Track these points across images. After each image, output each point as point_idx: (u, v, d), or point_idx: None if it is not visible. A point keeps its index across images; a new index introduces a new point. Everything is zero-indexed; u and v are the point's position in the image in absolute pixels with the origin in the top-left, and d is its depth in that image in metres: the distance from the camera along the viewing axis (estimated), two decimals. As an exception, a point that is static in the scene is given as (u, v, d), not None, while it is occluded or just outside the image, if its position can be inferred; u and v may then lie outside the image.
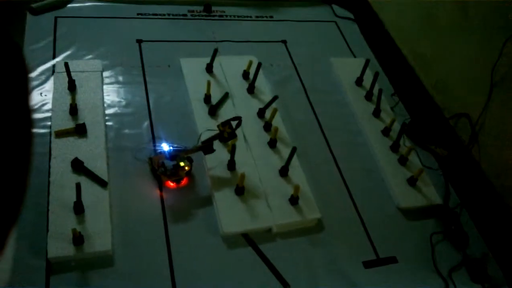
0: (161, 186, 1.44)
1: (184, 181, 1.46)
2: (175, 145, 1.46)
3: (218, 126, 1.43)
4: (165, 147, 1.44)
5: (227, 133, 1.41)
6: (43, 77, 1.64)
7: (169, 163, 1.41)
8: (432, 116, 1.91)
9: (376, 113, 1.86)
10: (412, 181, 1.65)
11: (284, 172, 1.55)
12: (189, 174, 1.46)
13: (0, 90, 0.35)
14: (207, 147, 1.41)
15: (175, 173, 1.42)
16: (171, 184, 1.44)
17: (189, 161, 1.45)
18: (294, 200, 1.47)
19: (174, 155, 1.42)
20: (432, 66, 1.97)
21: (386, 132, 1.79)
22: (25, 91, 0.39)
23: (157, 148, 1.50)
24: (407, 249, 1.51)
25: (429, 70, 1.98)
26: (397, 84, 2.07)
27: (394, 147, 1.74)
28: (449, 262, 1.51)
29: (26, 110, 0.39)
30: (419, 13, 2.02)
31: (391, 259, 1.47)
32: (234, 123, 1.44)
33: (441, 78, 1.92)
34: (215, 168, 1.49)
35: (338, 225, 1.51)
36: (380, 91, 1.87)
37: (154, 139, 1.54)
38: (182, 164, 1.42)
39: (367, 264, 1.43)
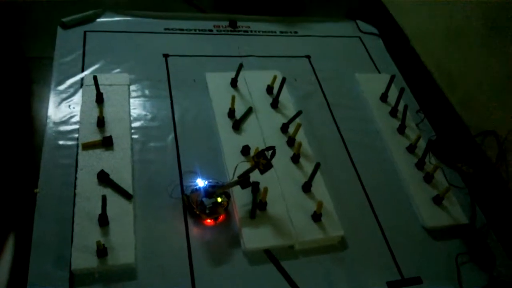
0: (185, 213, 1.43)
1: (221, 217, 1.43)
2: (210, 180, 1.42)
3: (252, 157, 1.40)
4: (200, 183, 1.41)
5: (263, 164, 1.37)
6: (71, 90, 1.68)
7: (207, 200, 1.38)
8: (458, 133, 1.88)
9: (401, 130, 1.84)
10: (437, 200, 1.62)
11: (307, 188, 1.54)
12: (226, 209, 1.42)
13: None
14: (244, 181, 1.38)
15: (215, 211, 1.39)
16: (208, 221, 1.41)
17: (226, 196, 1.42)
18: (317, 217, 1.46)
19: (211, 192, 1.39)
20: (458, 82, 1.94)
21: (411, 149, 1.77)
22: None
23: (192, 184, 1.45)
24: (432, 269, 1.48)
25: (455, 86, 1.96)
26: (423, 101, 2.05)
27: (420, 165, 1.72)
28: (476, 283, 1.47)
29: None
30: (445, 29, 2.00)
31: (416, 279, 1.44)
32: (268, 153, 1.40)
33: (467, 95, 1.89)
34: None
35: (361, 243, 1.49)
36: (406, 107, 1.85)
37: (181, 174, 1.51)
38: (219, 200, 1.39)
39: (392, 285, 1.40)
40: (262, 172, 1.37)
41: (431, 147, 1.76)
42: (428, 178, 1.68)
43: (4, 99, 1.66)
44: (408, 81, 2.13)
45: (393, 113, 1.90)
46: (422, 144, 1.78)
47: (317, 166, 1.52)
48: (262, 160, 1.37)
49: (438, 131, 1.92)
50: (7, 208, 1.37)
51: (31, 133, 1.58)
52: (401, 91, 1.90)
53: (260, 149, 1.52)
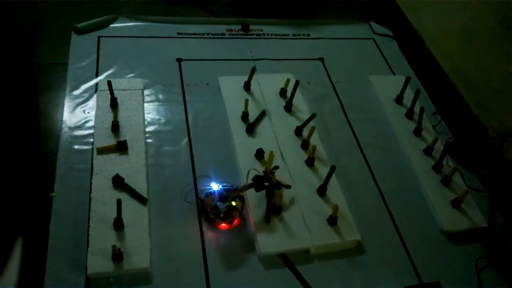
0: (200, 217, 1.43)
1: (236, 221, 1.42)
2: (224, 184, 1.42)
3: (267, 172, 1.42)
4: (215, 186, 1.41)
5: (277, 182, 1.42)
6: (86, 95, 1.69)
7: (221, 204, 1.36)
8: (476, 135, 1.84)
9: (417, 132, 1.81)
10: (456, 203, 1.59)
11: (322, 191, 1.52)
12: (240, 213, 1.41)
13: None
14: (258, 184, 1.38)
15: (229, 215, 1.37)
16: (223, 225, 1.40)
17: (241, 200, 1.41)
18: (332, 221, 1.44)
19: (225, 196, 1.38)
20: (475, 83, 1.91)
21: (428, 151, 1.74)
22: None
23: (206, 188, 1.44)
24: (451, 274, 1.45)
25: (473, 87, 1.92)
26: (439, 102, 2.02)
27: (437, 167, 1.69)
28: (496, 289, 1.44)
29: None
30: (461, 30, 1.97)
31: (434, 284, 1.41)
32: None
33: (485, 96, 1.85)
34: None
35: (378, 247, 1.46)
36: (422, 109, 1.82)
37: (195, 178, 1.51)
38: (234, 204, 1.38)
39: (410, 290, 1.38)
40: (275, 187, 1.42)
41: (449, 150, 1.73)
42: (446, 181, 1.65)
43: (18, 105, 1.68)
44: (423, 83, 2.11)
45: (409, 115, 1.88)
46: (439, 146, 1.75)
47: (332, 170, 1.50)
48: (275, 178, 1.42)
49: (455, 133, 1.88)
50: (23, 213, 1.38)
51: (45, 138, 1.59)
52: (417, 93, 1.87)
53: (274, 152, 1.52)
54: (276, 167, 1.46)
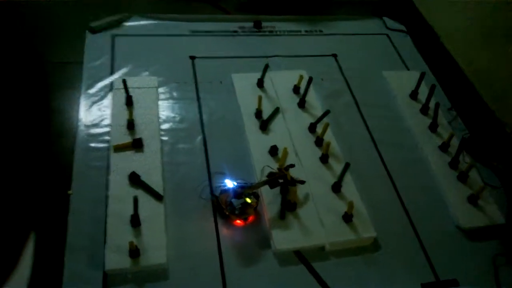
0: (215, 214, 1.43)
1: (251, 218, 1.42)
2: (239, 181, 1.42)
3: (281, 169, 1.43)
4: (229, 183, 1.41)
5: (292, 178, 1.42)
6: (101, 93, 1.71)
7: (236, 201, 1.37)
8: (492, 131, 1.82)
9: (433, 128, 1.79)
10: (473, 199, 1.57)
11: (336, 188, 1.52)
12: (255, 209, 1.41)
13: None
14: (272, 180, 1.39)
15: (244, 211, 1.38)
16: (238, 222, 1.41)
17: (255, 197, 1.41)
18: (347, 218, 1.43)
19: (240, 192, 1.39)
20: (492, 78, 1.88)
21: (444, 147, 1.73)
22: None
23: (221, 185, 1.45)
24: (469, 271, 1.43)
25: (489, 82, 1.90)
26: (454, 98, 1.99)
27: (453, 164, 1.67)
28: (515, 286, 1.42)
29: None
30: (477, 25, 1.95)
31: (452, 282, 1.40)
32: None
33: (502, 91, 1.83)
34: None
35: (394, 244, 1.45)
36: (437, 104, 1.81)
37: (210, 175, 1.51)
38: (249, 200, 1.39)
39: (426, 287, 1.37)
40: (290, 184, 1.40)
41: (465, 145, 1.71)
42: (463, 177, 1.63)
43: (34, 104, 1.70)
44: (438, 78, 2.09)
45: (424, 110, 1.86)
46: (455, 142, 1.73)
47: (347, 166, 1.50)
48: (289, 174, 1.41)
49: (471, 129, 1.86)
50: (40, 210, 1.40)
51: (62, 136, 1.60)
52: (432, 88, 1.85)
53: (288, 149, 1.52)
54: (292, 165, 1.46)
